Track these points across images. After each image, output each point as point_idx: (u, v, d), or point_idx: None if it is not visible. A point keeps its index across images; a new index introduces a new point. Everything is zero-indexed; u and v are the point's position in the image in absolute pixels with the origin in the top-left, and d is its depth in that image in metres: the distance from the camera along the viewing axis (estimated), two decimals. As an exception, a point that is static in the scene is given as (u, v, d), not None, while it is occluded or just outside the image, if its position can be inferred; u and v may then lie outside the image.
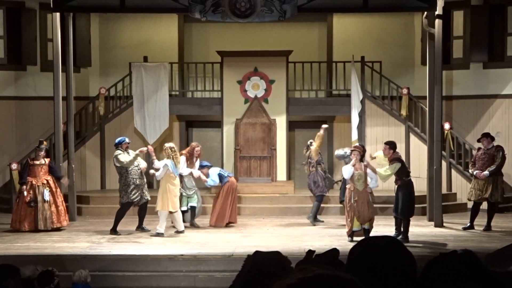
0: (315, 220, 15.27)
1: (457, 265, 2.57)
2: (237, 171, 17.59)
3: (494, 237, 13.73)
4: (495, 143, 14.65)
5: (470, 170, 14.76)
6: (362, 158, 13.41)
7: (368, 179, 13.11)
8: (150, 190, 15.03)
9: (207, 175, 15.04)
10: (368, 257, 2.66)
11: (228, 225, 14.96)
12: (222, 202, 14.94)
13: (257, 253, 2.86)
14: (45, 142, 14.98)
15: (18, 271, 6.31)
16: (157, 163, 14.16)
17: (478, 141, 14.85)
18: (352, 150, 13.45)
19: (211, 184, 15.29)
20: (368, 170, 13.13)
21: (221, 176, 15.09)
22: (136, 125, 18.39)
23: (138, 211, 14.59)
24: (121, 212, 14.26)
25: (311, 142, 15.37)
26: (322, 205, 15.81)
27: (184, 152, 15.10)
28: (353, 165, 13.04)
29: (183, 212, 14.55)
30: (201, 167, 15.12)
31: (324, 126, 15.63)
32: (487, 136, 14.61)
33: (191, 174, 14.84)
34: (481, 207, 14.62)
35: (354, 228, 12.93)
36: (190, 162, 14.94)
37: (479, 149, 14.89)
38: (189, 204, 14.88)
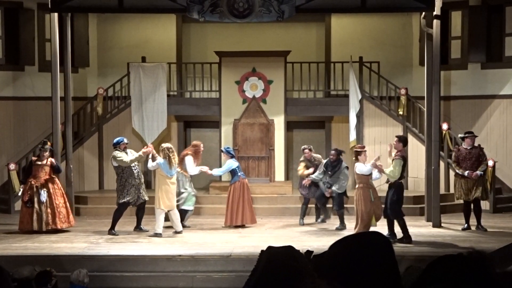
0: (323, 219, 15.34)
1: (459, 265, 2.57)
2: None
3: (492, 237, 13.73)
4: (475, 143, 14.71)
5: (458, 171, 14.61)
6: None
7: (375, 173, 13.13)
8: (148, 191, 15.03)
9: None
10: (347, 253, 2.67)
11: (243, 226, 14.91)
12: (233, 202, 14.87)
13: (270, 248, 2.89)
14: (49, 143, 14.87)
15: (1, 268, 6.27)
16: (150, 163, 14.19)
17: (463, 139, 14.77)
18: (358, 151, 13.33)
19: (216, 174, 15.28)
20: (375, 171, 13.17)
21: (233, 172, 14.97)
22: (134, 125, 18.38)
23: (136, 211, 14.59)
24: (119, 212, 14.25)
25: (303, 149, 15.41)
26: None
27: (189, 152, 15.01)
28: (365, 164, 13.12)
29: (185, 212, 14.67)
30: (227, 152, 15.06)
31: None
32: (475, 136, 14.69)
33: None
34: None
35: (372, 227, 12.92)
36: (197, 160, 14.95)
37: (458, 149, 14.79)
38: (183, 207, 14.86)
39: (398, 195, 13.11)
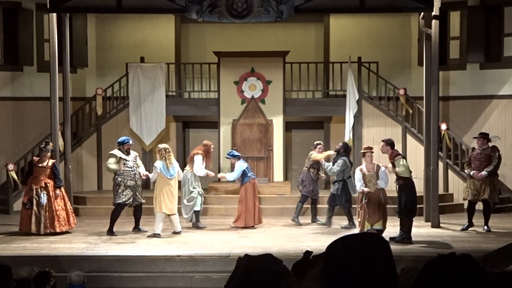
0: (315, 219, 15.42)
1: (455, 267, 2.57)
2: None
3: (491, 237, 13.74)
4: (490, 144, 14.68)
5: (466, 170, 14.74)
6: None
7: (380, 182, 13.08)
8: (146, 191, 15.01)
9: (233, 167, 14.92)
10: (343, 253, 2.67)
11: (253, 227, 14.92)
12: (248, 203, 14.86)
13: (247, 256, 2.88)
14: (51, 143, 14.75)
15: (10, 270, 6.28)
16: (152, 176, 14.16)
17: (475, 137, 14.96)
18: (364, 152, 13.47)
19: (230, 179, 15.13)
20: (381, 173, 13.07)
21: (244, 173, 14.91)
22: (131, 126, 18.37)
23: (133, 212, 14.58)
24: (116, 213, 14.23)
25: (317, 144, 15.39)
26: (318, 206, 15.87)
27: (200, 151, 14.98)
28: (361, 169, 13.22)
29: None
30: (232, 156, 15.02)
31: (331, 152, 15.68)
32: (484, 137, 14.64)
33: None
34: (476, 208, 14.65)
35: (365, 229, 12.96)
36: (207, 160, 14.94)
37: (473, 149, 14.94)
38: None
39: (412, 193, 13.13)
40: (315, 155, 15.17)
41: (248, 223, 14.86)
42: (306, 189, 15.38)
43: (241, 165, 14.88)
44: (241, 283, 2.78)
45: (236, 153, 15.32)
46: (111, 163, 14.14)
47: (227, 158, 15.56)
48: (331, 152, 15.50)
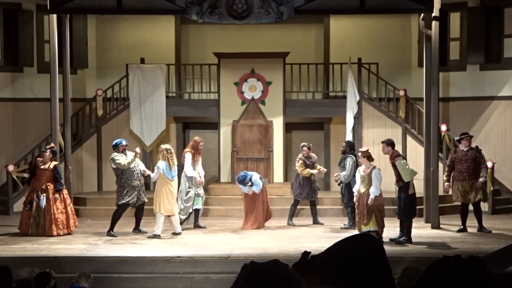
0: (291, 220, 15.53)
1: (460, 268, 2.57)
2: (234, 173, 17.58)
3: (491, 238, 13.74)
4: (473, 145, 14.70)
5: (445, 176, 14.80)
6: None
7: (372, 187, 13.03)
8: (147, 192, 15.01)
9: (251, 184, 14.85)
10: (337, 256, 2.68)
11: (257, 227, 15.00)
12: (257, 206, 14.94)
13: (253, 262, 2.87)
14: (52, 144, 14.70)
15: (9, 270, 6.27)
16: (153, 174, 14.12)
17: (459, 141, 14.89)
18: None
19: (256, 190, 14.92)
20: (373, 176, 13.02)
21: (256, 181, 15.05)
22: (132, 127, 18.37)
23: (134, 213, 14.58)
24: (118, 214, 14.23)
25: (302, 147, 15.43)
26: (318, 206, 15.89)
27: (188, 149, 14.97)
28: (359, 169, 13.32)
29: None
30: (251, 181, 14.92)
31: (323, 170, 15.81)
32: (470, 136, 14.68)
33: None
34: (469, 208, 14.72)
35: (363, 229, 12.94)
36: (195, 158, 14.89)
37: (455, 150, 14.85)
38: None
39: (412, 195, 13.14)
40: (301, 170, 15.27)
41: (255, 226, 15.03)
42: (294, 192, 15.55)
43: (256, 177, 14.98)
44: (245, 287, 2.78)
45: (248, 176, 15.08)
46: (121, 159, 14.05)
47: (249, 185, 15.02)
48: (314, 171, 15.44)
